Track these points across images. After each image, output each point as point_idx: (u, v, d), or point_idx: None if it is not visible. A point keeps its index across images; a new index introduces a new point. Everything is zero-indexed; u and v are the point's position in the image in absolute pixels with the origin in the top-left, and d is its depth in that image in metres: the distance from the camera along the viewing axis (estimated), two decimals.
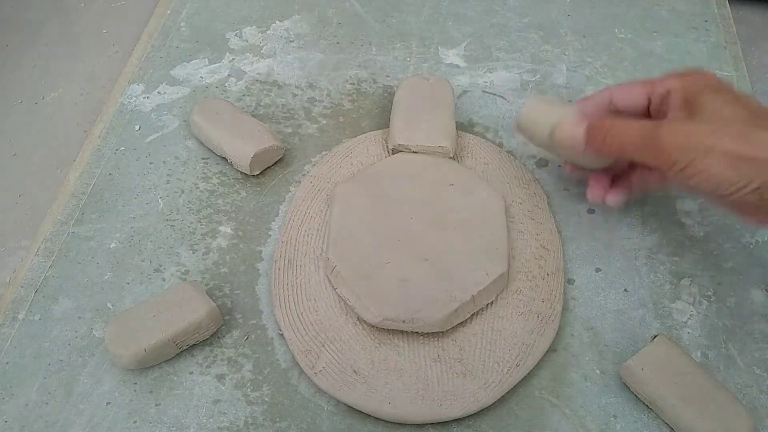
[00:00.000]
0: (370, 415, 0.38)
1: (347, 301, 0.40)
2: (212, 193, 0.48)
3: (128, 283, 0.43)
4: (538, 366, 0.40)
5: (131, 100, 0.54)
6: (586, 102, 0.42)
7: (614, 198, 0.43)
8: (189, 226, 0.46)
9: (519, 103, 0.54)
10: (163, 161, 0.50)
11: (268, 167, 0.49)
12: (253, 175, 0.48)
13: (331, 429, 0.38)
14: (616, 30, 0.60)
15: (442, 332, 0.40)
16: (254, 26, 0.60)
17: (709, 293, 0.43)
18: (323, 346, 0.40)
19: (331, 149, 0.50)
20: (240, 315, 0.42)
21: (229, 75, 0.56)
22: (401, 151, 0.48)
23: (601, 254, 0.45)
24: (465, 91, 0.55)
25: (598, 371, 0.40)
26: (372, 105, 0.54)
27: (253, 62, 0.57)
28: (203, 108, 0.49)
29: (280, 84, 0.55)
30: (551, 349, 0.41)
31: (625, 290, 0.44)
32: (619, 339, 0.41)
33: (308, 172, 0.49)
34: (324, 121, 0.53)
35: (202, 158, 0.50)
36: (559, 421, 0.38)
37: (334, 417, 0.38)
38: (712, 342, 0.41)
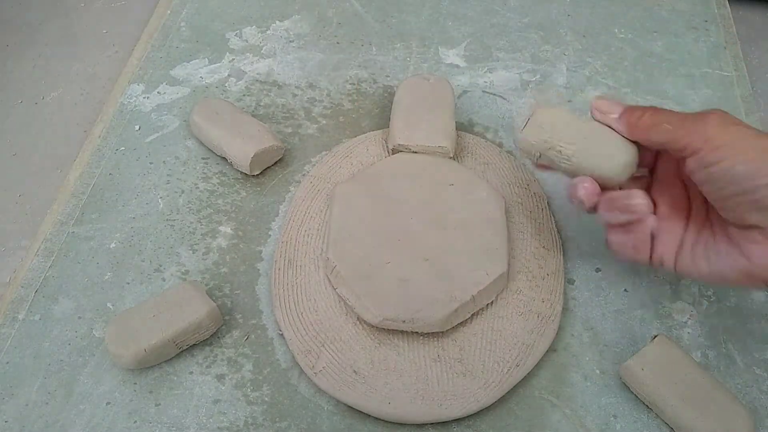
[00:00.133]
0: (370, 415, 0.38)
1: (347, 301, 0.40)
2: (212, 193, 0.48)
3: (128, 283, 0.43)
4: (538, 366, 0.40)
5: (131, 100, 0.54)
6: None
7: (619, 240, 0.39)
8: (189, 226, 0.46)
9: (519, 103, 0.54)
10: (163, 161, 0.50)
11: (268, 167, 0.49)
12: (253, 175, 0.48)
13: (331, 429, 0.38)
14: (616, 30, 0.60)
15: (442, 332, 0.40)
16: (254, 26, 0.60)
17: (709, 293, 0.43)
18: (323, 346, 0.40)
19: (331, 149, 0.50)
20: (240, 315, 0.42)
21: (229, 75, 0.56)
22: (401, 151, 0.48)
23: (601, 254, 0.45)
24: (465, 91, 0.55)
25: (598, 371, 0.40)
26: (372, 105, 0.54)
27: (253, 62, 0.57)
28: (203, 108, 0.49)
29: (280, 84, 0.55)
30: (551, 349, 0.41)
31: (625, 290, 0.44)
32: (619, 339, 0.41)
33: (308, 172, 0.49)
34: (324, 121, 0.53)
35: (202, 158, 0.50)
36: (559, 421, 0.38)
37: (334, 417, 0.38)
38: (712, 342, 0.41)
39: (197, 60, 0.57)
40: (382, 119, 0.53)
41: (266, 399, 0.39)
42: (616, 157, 0.37)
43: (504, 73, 0.57)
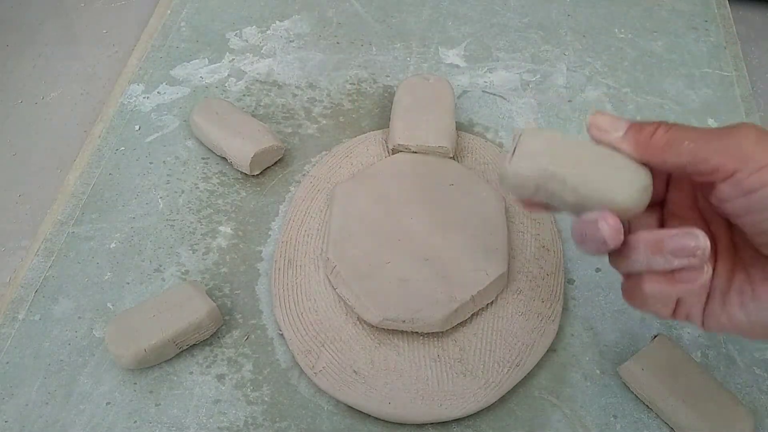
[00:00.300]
0: (370, 415, 0.38)
1: (347, 301, 0.40)
2: (212, 193, 0.48)
3: (128, 283, 0.43)
4: (538, 366, 0.40)
5: (131, 100, 0.54)
6: None
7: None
8: (189, 226, 0.46)
9: (519, 104, 0.54)
10: (163, 161, 0.50)
11: (268, 167, 0.49)
12: (253, 175, 0.48)
13: (331, 429, 0.38)
14: (616, 30, 0.60)
15: (442, 332, 0.40)
16: (254, 26, 0.60)
17: None
18: (323, 346, 0.40)
19: (331, 149, 0.50)
20: (240, 315, 0.42)
21: (229, 75, 0.56)
22: (401, 151, 0.48)
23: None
24: (465, 91, 0.55)
25: (598, 371, 0.40)
26: (372, 105, 0.54)
27: (253, 62, 0.57)
28: (203, 108, 0.49)
29: (280, 84, 0.55)
30: (551, 349, 0.41)
31: None
32: (619, 339, 0.41)
33: (308, 172, 0.49)
34: (324, 121, 0.53)
35: (202, 158, 0.50)
36: (559, 421, 0.38)
37: (334, 417, 0.38)
38: (712, 342, 0.41)
39: (197, 60, 0.57)
40: (382, 119, 0.53)
41: (266, 399, 0.39)
42: (634, 181, 0.29)
43: (504, 73, 0.57)
